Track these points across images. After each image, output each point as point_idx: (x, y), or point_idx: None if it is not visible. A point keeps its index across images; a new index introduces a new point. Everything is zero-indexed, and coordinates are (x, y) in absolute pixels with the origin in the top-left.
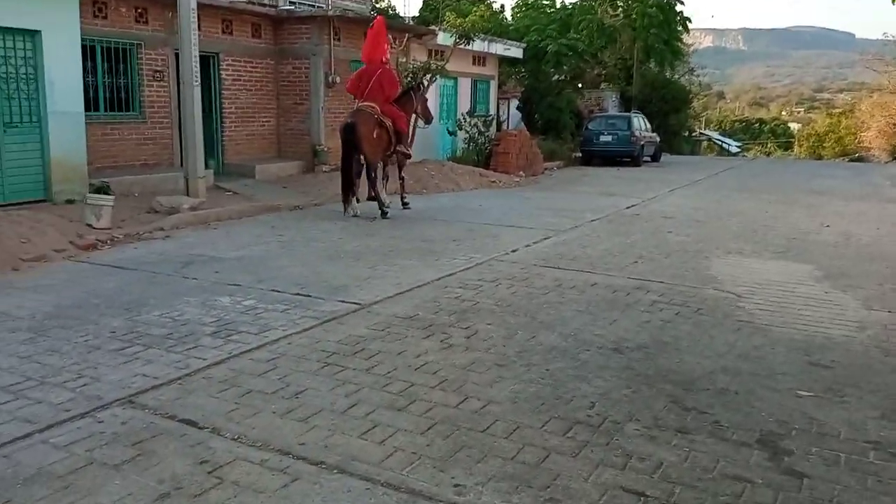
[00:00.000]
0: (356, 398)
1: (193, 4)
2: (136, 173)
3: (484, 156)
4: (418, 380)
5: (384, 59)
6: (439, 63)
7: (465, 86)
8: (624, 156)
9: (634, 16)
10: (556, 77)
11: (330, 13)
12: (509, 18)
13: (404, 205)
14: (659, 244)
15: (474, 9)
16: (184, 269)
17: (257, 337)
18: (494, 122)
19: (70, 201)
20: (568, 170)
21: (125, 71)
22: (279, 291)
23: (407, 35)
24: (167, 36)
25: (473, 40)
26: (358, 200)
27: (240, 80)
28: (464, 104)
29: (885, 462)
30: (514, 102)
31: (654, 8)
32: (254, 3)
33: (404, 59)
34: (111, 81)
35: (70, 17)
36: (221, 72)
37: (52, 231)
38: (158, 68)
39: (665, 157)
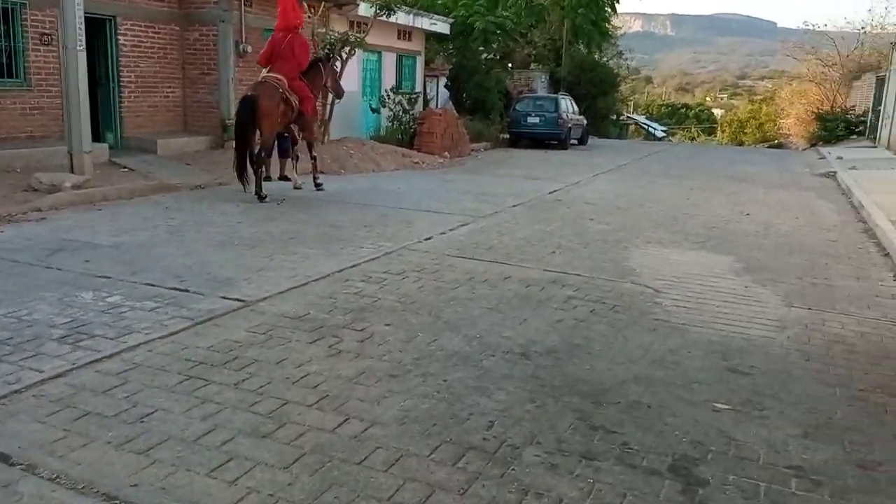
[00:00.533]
0: (214, 422)
1: None
2: (19, 146)
3: (409, 135)
4: (294, 396)
5: (298, 27)
6: (358, 35)
7: (389, 61)
8: (551, 138)
9: None
10: (484, 55)
11: None
12: None
13: (317, 186)
14: (579, 232)
15: None
16: (50, 258)
17: (113, 343)
18: (420, 99)
19: None
20: (495, 151)
21: (7, 33)
22: (153, 285)
23: (324, 4)
24: None
25: (395, 12)
26: (269, 179)
27: (140, 46)
28: (388, 80)
29: (807, 492)
30: (443, 80)
31: None
32: None
33: (322, 30)
34: None
35: None
36: (119, 37)
37: None
38: (46, 31)
39: (592, 141)
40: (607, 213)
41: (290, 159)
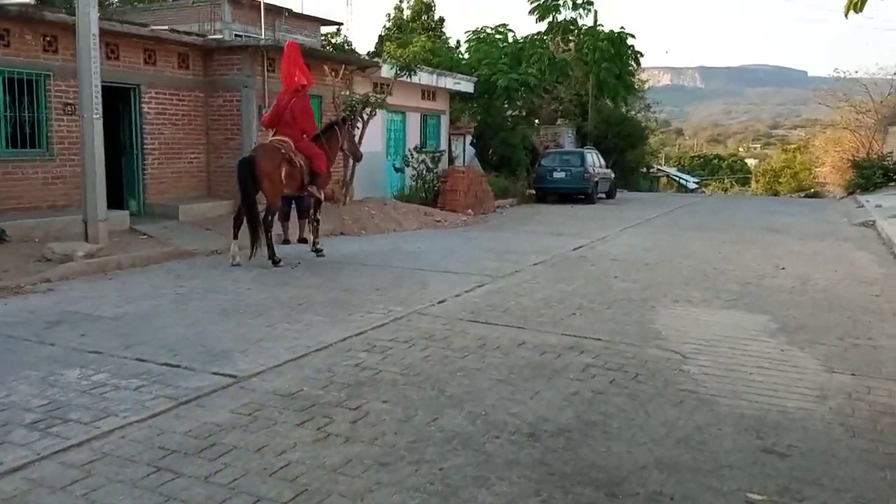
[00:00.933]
0: None
1: (94, 30)
2: (40, 216)
3: (432, 194)
4: (269, 491)
5: (299, 87)
6: (379, 96)
7: (413, 121)
8: (578, 193)
9: (586, 49)
10: (510, 112)
11: (261, 43)
12: (464, 53)
13: (316, 252)
14: (602, 292)
15: (414, 39)
16: (46, 332)
17: (86, 428)
18: (444, 158)
19: None
20: (520, 208)
21: (31, 104)
22: (144, 360)
23: (345, 67)
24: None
25: (415, 73)
26: (287, 242)
27: (164, 113)
28: (413, 139)
29: None
30: (469, 138)
31: (605, 42)
32: (179, 32)
33: (346, 93)
34: (14, 115)
35: None
36: (143, 105)
37: None
38: (70, 101)
39: (621, 194)
40: (634, 269)
41: (307, 221)
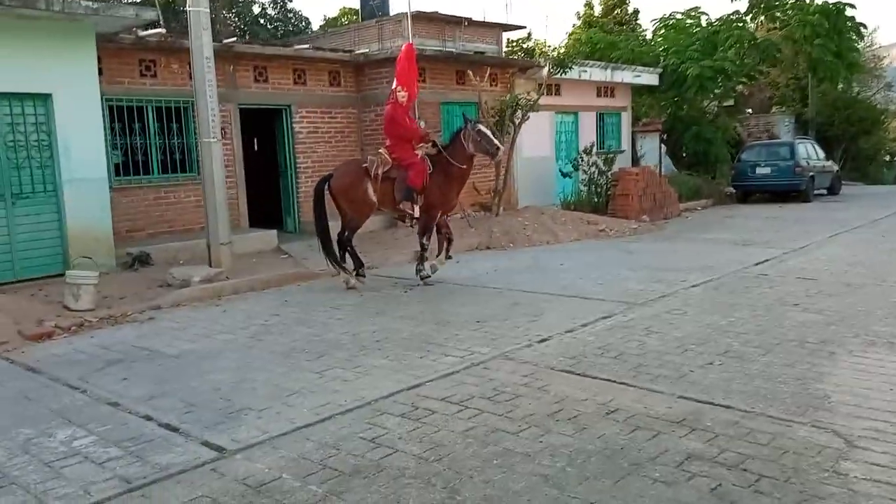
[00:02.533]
0: None
1: (207, 52)
2: (193, 237)
3: (604, 199)
4: None
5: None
6: (528, 99)
7: (587, 120)
8: (788, 190)
9: (794, 25)
10: (710, 103)
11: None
12: (653, 43)
13: (422, 278)
14: (768, 327)
15: (571, 33)
16: (93, 375)
17: None
18: (619, 158)
19: None
20: (714, 210)
21: (181, 130)
22: (151, 419)
23: (488, 70)
24: (228, 91)
25: (570, 68)
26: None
27: (317, 132)
28: (588, 140)
29: None
30: (656, 136)
31: (817, 15)
32: (325, 50)
33: (487, 100)
34: (164, 142)
35: (85, 77)
36: (294, 125)
37: (13, 316)
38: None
39: (852, 188)
40: (827, 293)
41: (447, 240)
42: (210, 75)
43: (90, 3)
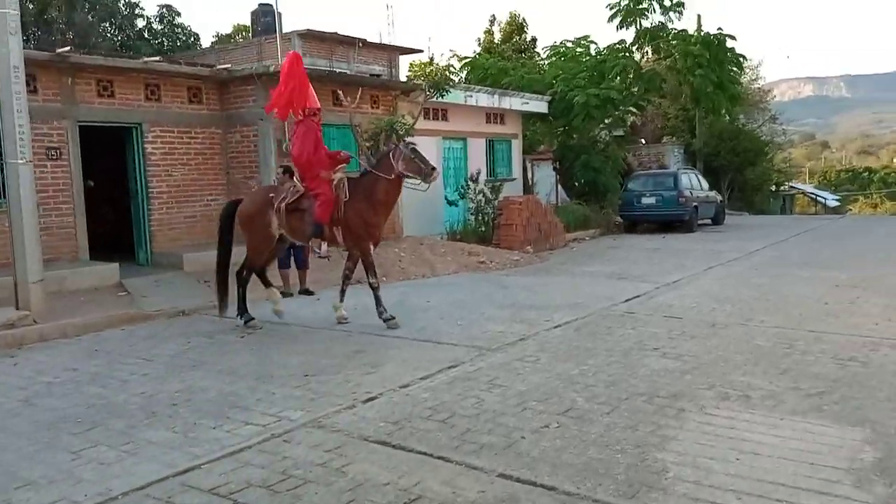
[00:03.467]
0: None
1: (16, 61)
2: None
3: (490, 228)
4: None
5: (307, 111)
6: (402, 122)
7: (476, 147)
8: (672, 220)
9: (676, 55)
10: (602, 132)
11: (273, 69)
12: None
13: (385, 320)
14: (620, 378)
15: (450, 59)
16: None
17: None
18: (507, 187)
19: None
20: (600, 240)
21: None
22: None
23: (363, 93)
24: (65, 106)
25: (447, 91)
26: (289, 294)
27: (173, 153)
28: (477, 167)
29: None
30: (550, 164)
31: (698, 46)
32: (181, 63)
33: (356, 122)
34: None
35: None
36: (146, 145)
37: None
38: (53, 145)
39: (737, 219)
40: (690, 334)
41: (307, 270)
42: (18, 87)
43: None
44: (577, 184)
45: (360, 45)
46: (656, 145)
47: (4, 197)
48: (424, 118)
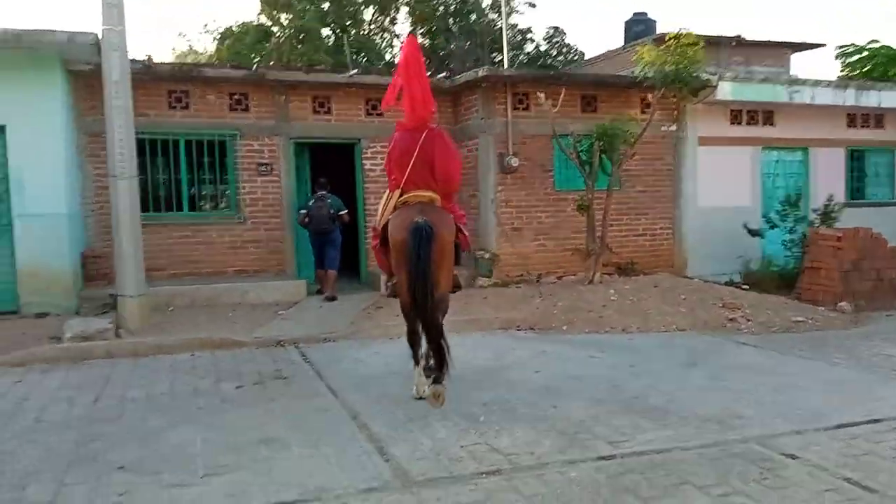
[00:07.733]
0: None
1: (116, 76)
2: (223, 280)
3: (795, 272)
4: None
5: (428, 117)
6: (621, 129)
7: (828, 160)
8: None
9: None
10: None
11: (502, 71)
12: None
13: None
14: None
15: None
16: None
17: None
18: (869, 214)
19: (42, 314)
20: None
21: (212, 165)
22: None
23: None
24: (277, 123)
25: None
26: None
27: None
28: (829, 187)
29: None
30: None
31: None
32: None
33: (572, 133)
34: (193, 177)
35: (45, 108)
36: (365, 161)
37: None
38: (264, 160)
39: None
40: None
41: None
42: (119, 101)
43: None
44: None
45: (734, 43)
46: None
47: (232, 210)
48: (733, 123)
